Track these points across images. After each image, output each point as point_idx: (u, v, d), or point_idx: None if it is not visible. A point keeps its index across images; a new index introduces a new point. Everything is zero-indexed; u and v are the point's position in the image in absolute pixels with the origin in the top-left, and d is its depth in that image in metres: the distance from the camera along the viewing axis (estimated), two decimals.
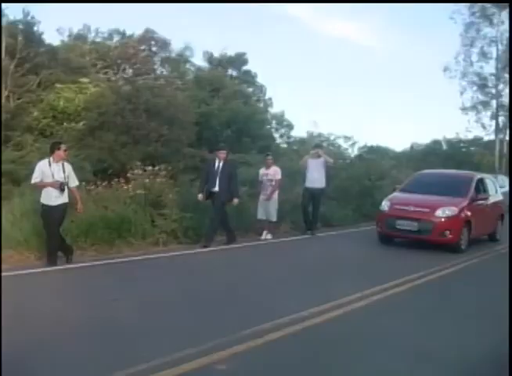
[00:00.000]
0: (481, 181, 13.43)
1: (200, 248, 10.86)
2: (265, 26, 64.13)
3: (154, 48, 35.58)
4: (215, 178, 11.36)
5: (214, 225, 11.36)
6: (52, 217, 8.45)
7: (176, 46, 36.82)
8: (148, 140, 18.55)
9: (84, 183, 12.29)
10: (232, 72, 39.42)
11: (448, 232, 11.62)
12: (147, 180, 12.31)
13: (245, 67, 39.49)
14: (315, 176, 13.62)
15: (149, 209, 11.56)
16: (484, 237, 13.76)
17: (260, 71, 44.72)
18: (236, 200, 11.52)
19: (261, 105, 37.23)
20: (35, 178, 8.49)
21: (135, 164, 13.76)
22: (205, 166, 12.33)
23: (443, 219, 11.71)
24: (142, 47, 34.63)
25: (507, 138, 34.99)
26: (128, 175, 12.71)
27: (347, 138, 42.11)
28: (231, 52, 38.99)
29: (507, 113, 34.02)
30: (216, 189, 11.30)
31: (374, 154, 34.95)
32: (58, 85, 22.99)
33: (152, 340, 5.33)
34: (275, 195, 12.81)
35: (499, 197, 14.65)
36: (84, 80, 23.94)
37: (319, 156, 13.74)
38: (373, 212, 14.72)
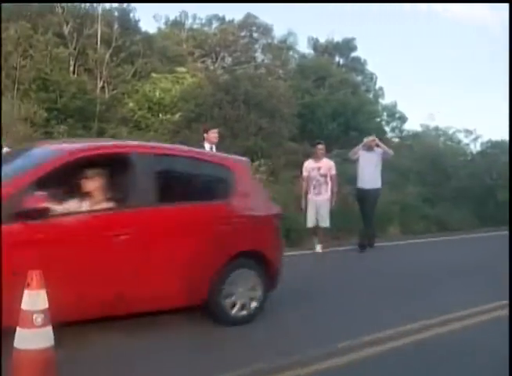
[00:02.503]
0: None
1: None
2: (375, 7, 63.17)
3: (255, 35, 35.88)
4: None
5: None
6: None
7: (279, 32, 36.99)
8: (247, 133, 18.77)
9: None
10: (339, 59, 39.09)
11: None
12: None
13: (353, 54, 39.01)
14: (369, 173, 11.78)
15: None
16: None
17: (370, 58, 43.93)
18: None
19: (371, 95, 36.70)
20: None
21: None
22: None
23: None
24: (243, 33, 35.01)
25: None
26: None
27: (468, 132, 40.61)
28: (338, 38, 38.71)
29: None
30: None
31: (498, 150, 33.66)
32: (154, 75, 23.60)
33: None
34: (329, 195, 11.22)
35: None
36: (181, 69, 24.48)
37: (373, 146, 11.90)
38: (495, 215, 14.23)
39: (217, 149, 9.59)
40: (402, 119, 36.24)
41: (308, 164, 11.40)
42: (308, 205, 11.26)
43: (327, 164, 11.36)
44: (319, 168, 11.25)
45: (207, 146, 9.56)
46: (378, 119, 31.88)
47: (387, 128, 34.07)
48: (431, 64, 63.59)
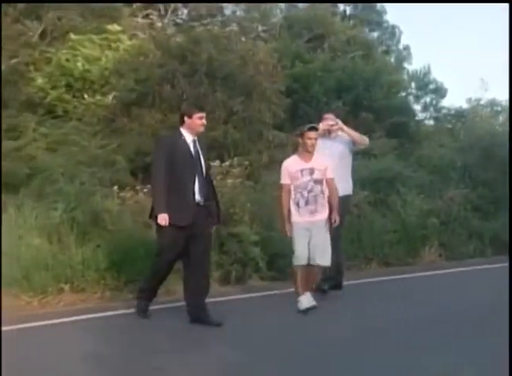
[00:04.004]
0: None
1: None
2: None
3: None
4: (194, 177, 8.88)
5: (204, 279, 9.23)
6: None
7: None
8: (212, 120, 18.82)
9: (115, 188, 12.75)
10: (344, 8, 39.32)
11: None
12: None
13: None
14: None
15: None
16: None
17: (390, 5, 43.30)
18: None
19: (392, 59, 36.94)
20: None
21: None
22: (160, 148, 9.21)
23: None
24: None
25: None
26: None
27: None
28: None
29: None
30: (199, 198, 8.92)
31: None
32: (73, 36, 23.30)
33: None
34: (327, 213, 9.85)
35: None
36: (114, 27, 24.37)
37: (333, 132, 10.77)
38: None
39: (200, 143, 9.13)
40: (439, 92, 36.28)
41: (292, 165, 9.88)
42: (295, 232, 9.85)
43: (322, 163, 9.87)
44: (312, 170, 9.74)
45: (188, 137, 9.01)
46: (403, 93, 32.01)
47: (417, 107, 34.14)
48: (482, 8, 63.41)
